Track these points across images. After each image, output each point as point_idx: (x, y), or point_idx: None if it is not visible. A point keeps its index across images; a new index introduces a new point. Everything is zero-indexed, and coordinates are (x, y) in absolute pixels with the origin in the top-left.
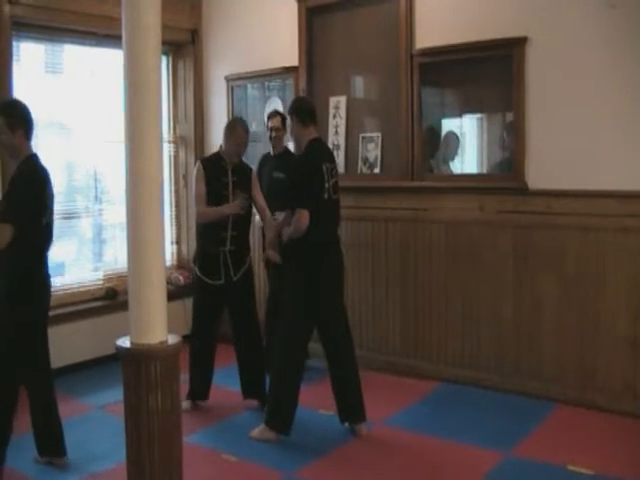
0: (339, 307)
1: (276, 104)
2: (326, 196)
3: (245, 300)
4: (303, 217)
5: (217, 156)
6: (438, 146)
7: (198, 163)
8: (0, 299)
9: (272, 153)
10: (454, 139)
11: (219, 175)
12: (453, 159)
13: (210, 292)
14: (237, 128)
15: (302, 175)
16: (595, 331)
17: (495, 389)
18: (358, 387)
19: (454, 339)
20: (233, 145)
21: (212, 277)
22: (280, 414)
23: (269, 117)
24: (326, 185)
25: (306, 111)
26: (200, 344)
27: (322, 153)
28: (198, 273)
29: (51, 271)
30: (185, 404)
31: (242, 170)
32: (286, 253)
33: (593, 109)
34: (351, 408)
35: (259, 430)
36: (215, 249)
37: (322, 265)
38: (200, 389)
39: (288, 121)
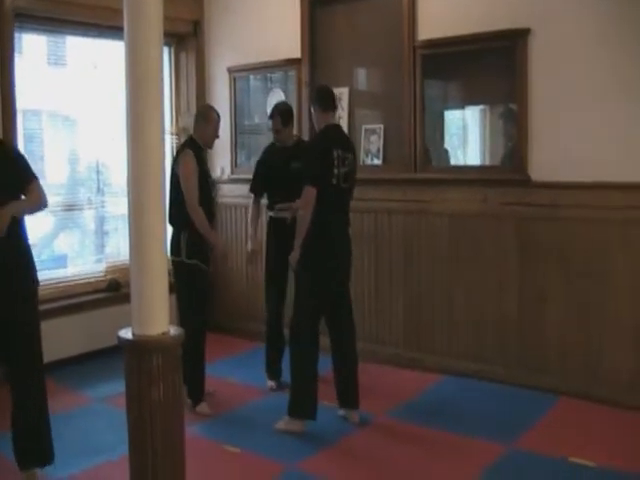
0: (346, 293)
1: (278, 96)
2: (334, 181)
3: None
4: (309, 193)
5: (196, 144)
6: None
7: (189, 151)
8: None
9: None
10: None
11: (203, 164)
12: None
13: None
14: (212, 114)
15: (310, 154)
16: (600, 324)
17: (498, 381)
18: (355, 375)
19: (457, 331)
20: (212, 130)
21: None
22: (303, 401)
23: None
24: (335, 171)
25: (325, 97)
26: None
27: (334, 138)
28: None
29: (53, 263)
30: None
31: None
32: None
33: (596, 101)
34: (346, 395)
35: (284, 422)
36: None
37: (331, 248)
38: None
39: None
